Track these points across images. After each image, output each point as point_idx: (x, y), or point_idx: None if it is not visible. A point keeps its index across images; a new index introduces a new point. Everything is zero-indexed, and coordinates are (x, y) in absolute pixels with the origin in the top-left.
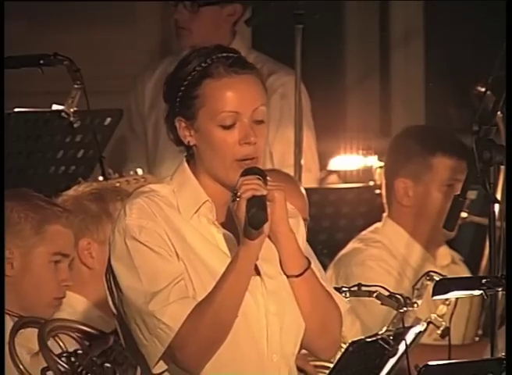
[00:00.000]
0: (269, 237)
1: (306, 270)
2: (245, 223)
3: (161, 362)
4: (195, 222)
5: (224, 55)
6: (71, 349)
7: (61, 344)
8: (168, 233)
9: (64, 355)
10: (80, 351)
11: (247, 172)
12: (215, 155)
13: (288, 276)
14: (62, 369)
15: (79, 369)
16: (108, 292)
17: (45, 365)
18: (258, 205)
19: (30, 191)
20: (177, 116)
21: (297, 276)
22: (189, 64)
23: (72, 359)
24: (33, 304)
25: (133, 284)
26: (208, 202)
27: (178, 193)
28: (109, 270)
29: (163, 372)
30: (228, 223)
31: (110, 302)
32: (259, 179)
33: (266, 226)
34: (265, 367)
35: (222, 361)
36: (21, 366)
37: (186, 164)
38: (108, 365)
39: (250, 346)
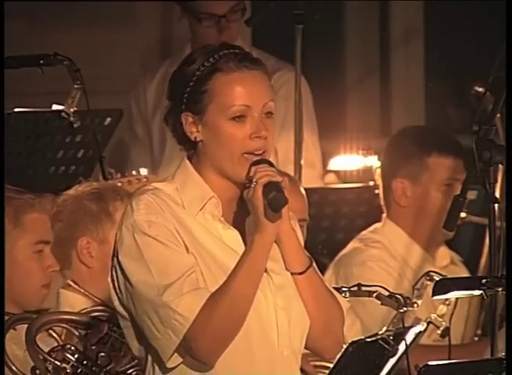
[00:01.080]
0: None
1: (308, 268)
2: (265, 206)
3: (175, 355)
4: (200, 218)
5: (231, 51)
6: (65, 343)
7: (55, 336)
8: (177, 227)
9: (54, 350)
10: (68, 346)
11: (258, 162)
12: (223, 149)
13: (292, 274)
14: (51, 366)
15: (69, 365)
16: (113, 292)
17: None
18: (277, 188)
19: None
20: (184, 112)
21: (301, 273)
22: (195, 61)
23: (65, 354)
24: (22, 296)
25: (144, 278)
26: (214, 198)
27: (181, 190)
28: (115, 269)
29: (177, 366)
30: (233, 220)
31: (116, 302)
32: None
33: (284, 211)
34: (276, 361)
35: (235, 355)
36: (14, 368)
37: (188, 162)
38: (102, 354)
39: (261, 340)
